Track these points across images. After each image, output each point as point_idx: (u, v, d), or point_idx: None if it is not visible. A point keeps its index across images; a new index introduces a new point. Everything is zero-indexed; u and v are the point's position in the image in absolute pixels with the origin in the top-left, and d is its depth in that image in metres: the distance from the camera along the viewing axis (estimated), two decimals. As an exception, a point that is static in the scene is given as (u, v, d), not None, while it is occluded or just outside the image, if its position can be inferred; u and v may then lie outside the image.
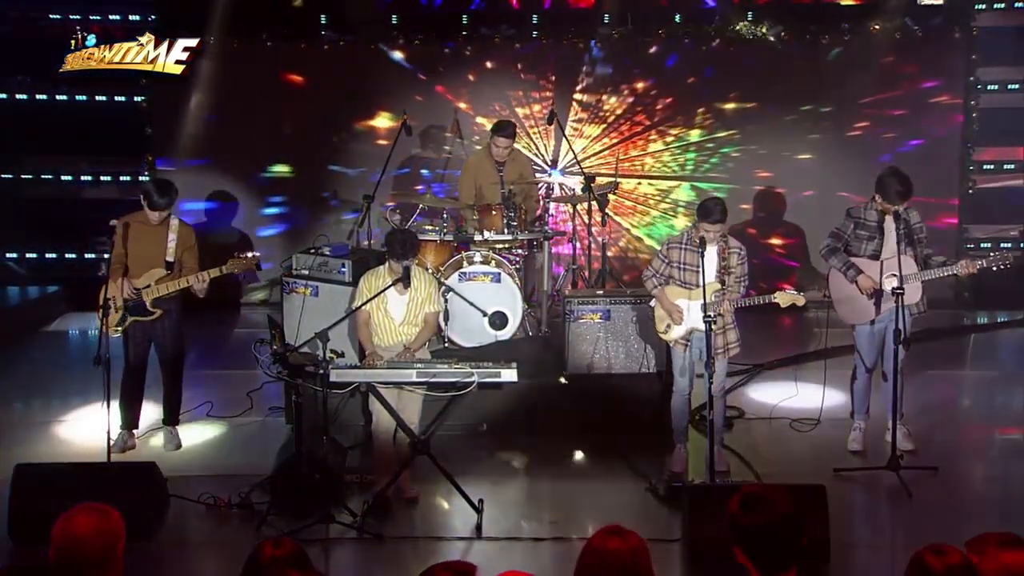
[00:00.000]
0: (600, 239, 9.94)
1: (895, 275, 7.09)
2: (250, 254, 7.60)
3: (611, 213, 10.78)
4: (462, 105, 11.37)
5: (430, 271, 8.07)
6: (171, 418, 7.83)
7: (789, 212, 11.51)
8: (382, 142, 11.11)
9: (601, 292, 8.51)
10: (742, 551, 3.21)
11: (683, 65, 11.39)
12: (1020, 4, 11.55)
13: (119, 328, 7.43)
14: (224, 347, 10.43)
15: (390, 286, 6.93)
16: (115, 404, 7.24)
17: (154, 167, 11.32)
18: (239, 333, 10.75)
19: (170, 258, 7.49)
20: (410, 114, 10.16)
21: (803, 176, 11.41)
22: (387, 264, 7.02)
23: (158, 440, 7.81)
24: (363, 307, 6.97)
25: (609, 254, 10.26)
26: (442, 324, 8.10)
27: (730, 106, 11.41)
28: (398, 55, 11.35)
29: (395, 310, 7.04)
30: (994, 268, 7.24)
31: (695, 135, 11.47)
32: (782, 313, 7.43)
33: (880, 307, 7.32)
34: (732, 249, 7.12)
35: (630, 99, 11.41)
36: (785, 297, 7.10)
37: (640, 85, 11.40)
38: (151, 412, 7.93)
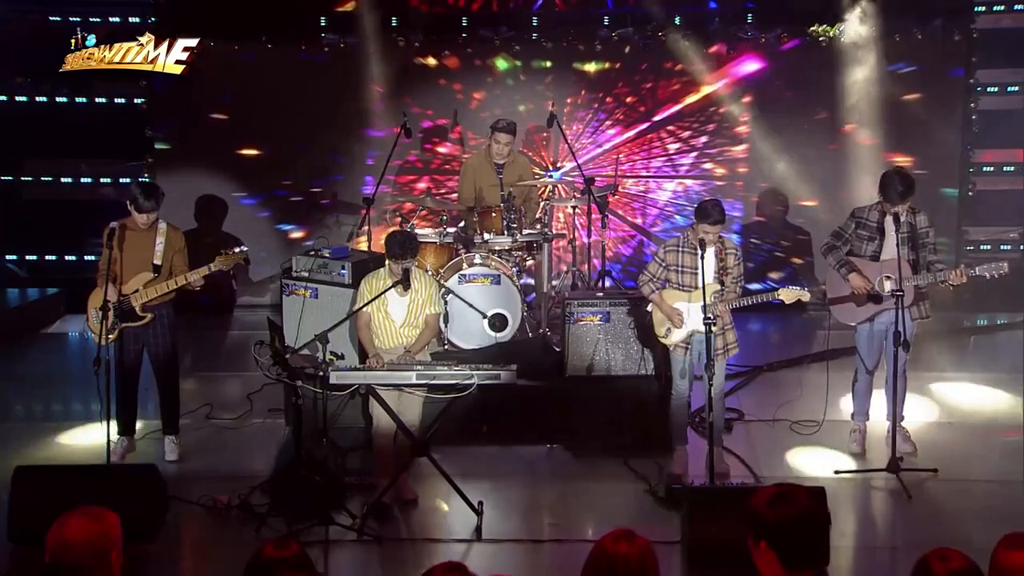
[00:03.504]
0: (600, 240, 9.94)
1: (890, 277, 7.09)
2: (236, 249, 7.45)
3: (611, 214, 10.76)
4: (461, 107, 11.36)
5: (430, 273, 8.06)
6: (170, 427, 7.71)
7: (790, 213, 11.49)
8: (381, 144, 11.09)
9: (601, 294, 8.51)
10: (768, 544, 3.14)
11: (683, 66, 11.37)
12: (1020, 6, 11.54)
13: (109, 336, 7.22)
14: (223, 349, 10.41)
15: (390, 288, 6.92)
16: (112, 410, 7.14)
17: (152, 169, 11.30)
18: (239, 335, 10.73)
19: (157, 261, 7.36)
20: (409, 116, 10.14)
21: (802, 178, 11.39)
22: (387, 266, 7.02)
23: (159, 446, 7.72)
24: (364, 309, 6.97)
25: (608, 255, 10.26)
26: (442, 326, 8.09)
27: (730, 107, 11.39)
28: (397, 57, 11.33)
29: (396, 312, 7.03)
30: (987, 277, 7.21)
31: (695, 136, 11.46)
32: (784, 313, 7.41)
33: (874, 307, 7.31)
34: (729, 250, 7.13)
35: (630, 101, 11.39)
36: (789, 293, 7.09)
37: (640, 87, 11.39)
38: (151, 416, 7.89)
